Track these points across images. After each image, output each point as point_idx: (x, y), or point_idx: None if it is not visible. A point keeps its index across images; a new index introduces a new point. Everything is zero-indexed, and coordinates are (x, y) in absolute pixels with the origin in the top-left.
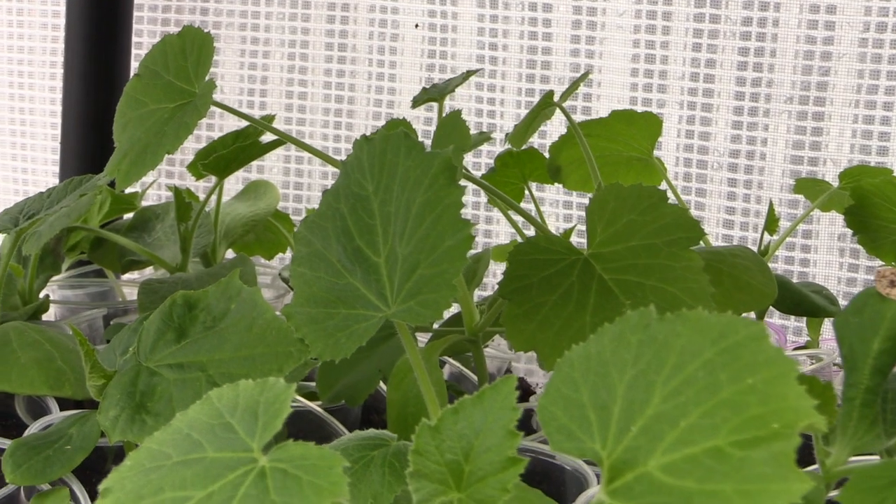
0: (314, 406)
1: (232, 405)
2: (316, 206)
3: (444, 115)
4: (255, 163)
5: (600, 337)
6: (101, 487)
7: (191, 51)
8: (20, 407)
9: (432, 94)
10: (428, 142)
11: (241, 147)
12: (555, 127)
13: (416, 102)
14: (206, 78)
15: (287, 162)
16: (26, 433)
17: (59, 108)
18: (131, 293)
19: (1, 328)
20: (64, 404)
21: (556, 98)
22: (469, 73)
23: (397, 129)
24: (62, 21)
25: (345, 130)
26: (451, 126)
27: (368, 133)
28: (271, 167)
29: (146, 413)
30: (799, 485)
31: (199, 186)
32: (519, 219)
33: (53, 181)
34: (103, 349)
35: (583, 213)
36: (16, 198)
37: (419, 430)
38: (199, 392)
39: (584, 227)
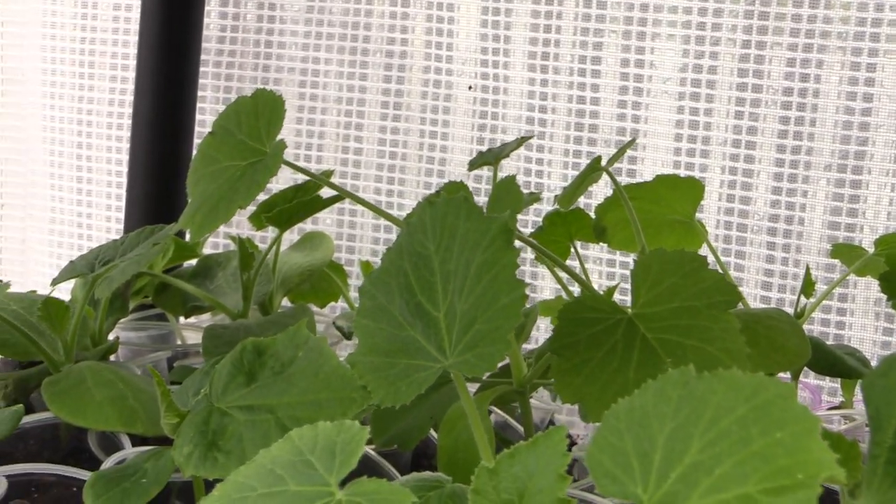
0: (368, 449)
1: (311, 444)
2: (367, 256)
3: (498, 177)
4: None
5: (644, 392)
6: None
7: (263, 112)
8: (93, 442)
9: (488, 158)
10: (478, 199)
11: (303, 202)
12: (599, 188)
13: (473, 166)
14: (277, 138)
15: (340, 214)
16: (103, 466)
17: (120, 156)
18: (191, 336)
19: (76, 367)
20: (133, 440)
21: (603, 163)
22: (523, 139)
23: (458, 194)
24: (129, 74)
25: (397, 185)
26: (507, 190)
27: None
28: (325, 218)
29: (218, 451)
30: None
31: (256, 235)
32: (564, 275)
33: (112, 225)
34: (175, 390)
35: (625, 272)
36: (79, 241)
37: (478, 472)
38: (268, 432)
39: (626, 285)
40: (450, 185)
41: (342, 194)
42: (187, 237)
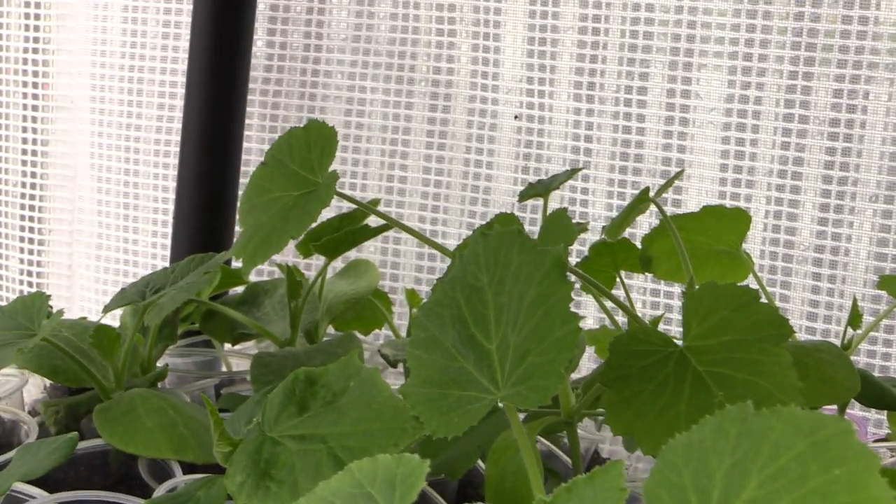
0: None
1: (371, 476)
2: (410, 284)
3: (548, 208)
4: None
5: (702, 427)
6: None
7: (315, 143)
8: (143, 469)
9: (538, 189)
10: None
11: (351, 231)
12: (644, 217)
13: (523, 197)
14: (329, 169)
15: (385, 242)
16: (155, 494)
17: (167, 183)
18: (237, 363)
19: (127, 394)
20: (184, 468)
21: (651, 194)
22: (574, 171)
23: (512, 227)
24: (177, 102)
25: (441, 214)
26: (558, 222)
27: (464, 217)
28: (369, 246)
29: (270, 480)
30: None
31: (301, 263)
32: (609, 305)
33: (158, 251)
34: (227, 418)
35: (669, 301)
36: (125, 267)
37: None
38: (320, 462)
39: (670, 315)
40: (501, 217)
41: (390, 223)
42: (233, 264)
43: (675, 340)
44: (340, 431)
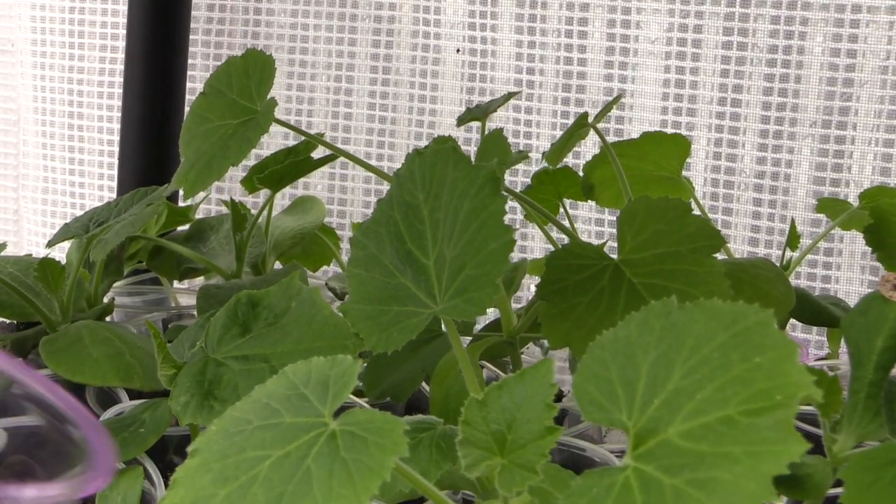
0: (361, 402)
1: (305, 378)
2: (358, 220)
3: (486, 133)
4: (300, 180)
5: (627, 323)
6: (189, 449)
7: (253, 71)
8: (91, 398)
9: (476, 113)
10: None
11: (295, 162)
12: (587, 147)
13: (461, 121)
14: (268, 97)
15: (332, 179)
16: (101, 418)
17: (111, 125)
18: (184, 300)
19: (73, 326)
20: (130, 395)
21: (590, 119)
22: (510, 95)
23: (446, 144)
24: (119, 44)
25: (387, 150)
26: (494, 143)
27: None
28: (316, 184)
29: (214, 399)
30: (798, 446)
31: (248, 202)
32: (554, 233)
33: (105, 194)
34: (171, 344)
35: (613, 230)
36: (72, 210)
37: (468, 404)
38: (263, 380)
39: (614, 243)
40: (438, 139)
41: (335, 152)
42: (180, 202)
43: (611, 256)
44: (283, 350)
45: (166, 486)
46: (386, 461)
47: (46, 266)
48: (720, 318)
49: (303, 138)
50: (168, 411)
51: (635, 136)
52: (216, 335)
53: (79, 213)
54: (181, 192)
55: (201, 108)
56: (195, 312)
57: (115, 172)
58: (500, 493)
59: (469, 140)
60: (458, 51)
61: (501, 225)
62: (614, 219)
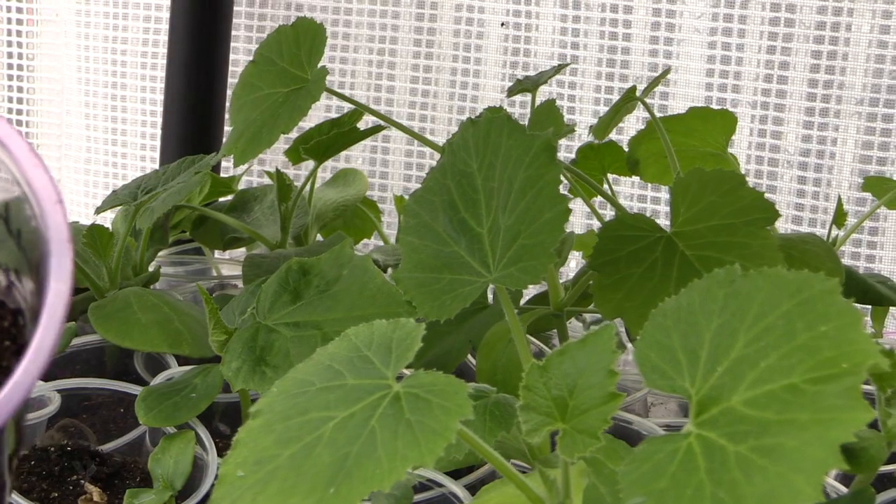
0: (407, 372)
1: (368, 341)
2: (399, 193)
3: (536, 104)
4: (342, 153)
5: (690, 291)
6: (251, 410)
7: (304, 40)
8: (139, 364)
9: (526, 84)
10: None
11: (340, 133)
12: (631, 124)
13: (511, 92)
14: (318, 65)
15: (373, 152)
16: (153, 382)
17: (153, 95)
18: (227, 270)
19: (122, 293)
20: (179, 361)
21: (638, 93)
22: (560, 67)
23: (500, 114)
24: (163, 14)
25: (429, 123)
26: (546, 113)
27: (451, 127)
28: (357, 157)
29: (265, 365)
30: (865, 414)
31: (290, 173)
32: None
33: (147, 164)
34: (221, 312)
35: (655, 207)
36: (114, 181)
37: (529, 370)
38: (315, 347)
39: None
40: (490, 109)
41: (383, 120)
42: (222, 173)
43: (664, 227)
44: (335, 318)
45: (217, 451)
46: (451, 423)
47: (95, 232)
48: (785, 286)
49: (346, 110)
50: (219, 376)
51: (678, 111)
52: (267, 302)
53: (120, 183)
54: (223, 164)
55: (251, 76)
56: (237, 283)
57: (156, 143)
58: (561, 457)
59: (513, 115)
60: (502, 24)
61: (557, 194)
62: (656, 195)
